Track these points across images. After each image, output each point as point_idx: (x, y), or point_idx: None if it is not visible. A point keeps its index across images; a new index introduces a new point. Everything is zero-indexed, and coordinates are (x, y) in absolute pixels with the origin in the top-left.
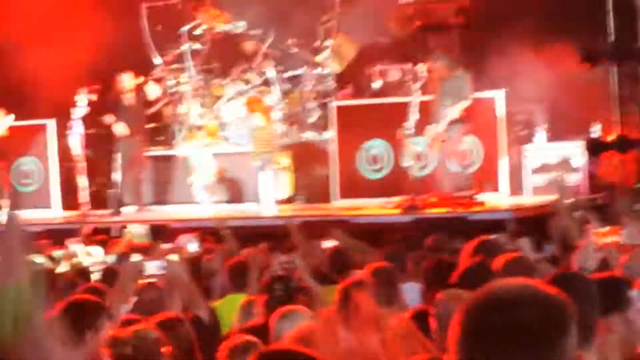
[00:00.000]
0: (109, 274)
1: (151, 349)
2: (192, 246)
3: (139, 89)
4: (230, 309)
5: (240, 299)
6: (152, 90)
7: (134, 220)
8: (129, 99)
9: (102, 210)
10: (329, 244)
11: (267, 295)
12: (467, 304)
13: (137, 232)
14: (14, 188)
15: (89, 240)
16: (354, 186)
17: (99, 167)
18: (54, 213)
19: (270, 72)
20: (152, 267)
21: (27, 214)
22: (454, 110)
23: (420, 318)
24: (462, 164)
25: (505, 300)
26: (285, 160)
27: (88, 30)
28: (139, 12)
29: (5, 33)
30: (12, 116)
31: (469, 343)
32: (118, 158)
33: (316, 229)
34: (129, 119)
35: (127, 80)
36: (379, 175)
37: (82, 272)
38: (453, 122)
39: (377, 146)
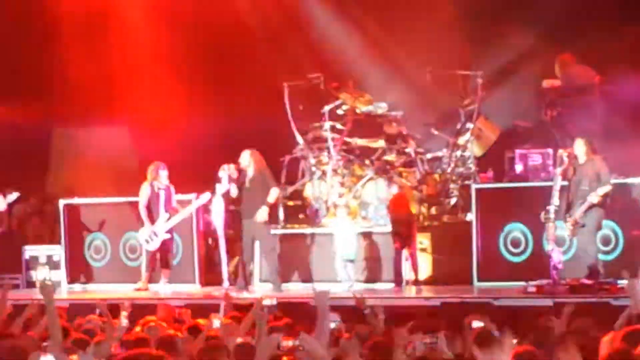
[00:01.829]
0: (245, 350)
1: None
2: (332, 324)
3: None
4: None
5: None
6: None
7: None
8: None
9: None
10: (475, 324)
11: None
12: None
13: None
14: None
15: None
16: (494, 268)
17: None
18: (194, 288)
19: (412, 153)
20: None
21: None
22: (594, 196)
23: None
24: (601, 250)
25: None
26: (425, 241)
27: (232, 105)
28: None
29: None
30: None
31: None
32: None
33: (457, 310)
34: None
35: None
36: (519, 259)
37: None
38: (592, 207)
39: (517, 229)
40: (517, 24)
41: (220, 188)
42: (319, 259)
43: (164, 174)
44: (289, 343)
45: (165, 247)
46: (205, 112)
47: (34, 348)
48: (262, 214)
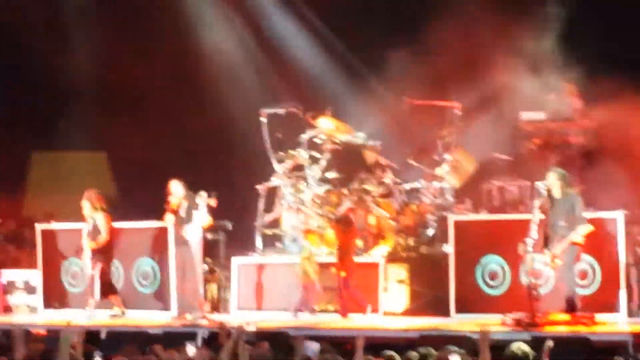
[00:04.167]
0: None
1: None
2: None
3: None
4: None
5: None
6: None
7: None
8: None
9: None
10: (453, 358)
11: None
12: None
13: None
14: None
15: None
16: (472, 301)
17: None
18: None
19: (389, 184)
20: None
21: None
22: (576, 235)
23: None
24: (579, 284)
25: None
26: (403, 272)
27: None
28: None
29: None
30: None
31: None
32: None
33: (435, 342)
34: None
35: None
36: (497, 291)
37: None
38: (572, 244)
39: (494, 262)
40: (498, 56)
41: (199, 215)
42: (294, 287)
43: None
44: None
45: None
46: (182, 137)
47: None
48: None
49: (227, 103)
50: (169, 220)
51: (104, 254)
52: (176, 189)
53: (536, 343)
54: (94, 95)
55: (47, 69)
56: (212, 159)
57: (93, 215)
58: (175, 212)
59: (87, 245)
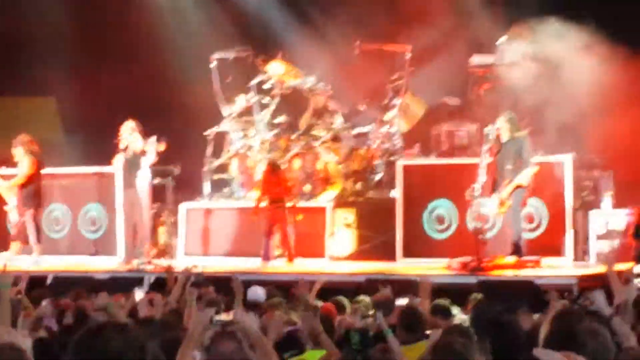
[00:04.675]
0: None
1: None
2: (260, 297)
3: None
4: None
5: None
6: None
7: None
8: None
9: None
10: (400, 302)
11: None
12: None
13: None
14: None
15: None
16: (419, 245)
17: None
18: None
19: (338, 128)
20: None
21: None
22: (524, 176)
23: None
24: (525, 228)
25: None
26: (350, 216)
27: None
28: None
29: None
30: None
31: None
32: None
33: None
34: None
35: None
36: (443, 236)
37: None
38: (519, 187)
39: (442, 206)
40: None
41: (148, 160)
42: (242, 233)
43: None
44: (222, 317)
45: None
46: (130, 83)
47: None
48: None
49: (177, 48)
50: (117, 161)
51: (32, 199)
52: (126, 131)
53: (483, 287)
54: (44, 41)
55: None
56: (162, 104)
57: (22, 160)
58: (125, 156)
59: (4, 189)
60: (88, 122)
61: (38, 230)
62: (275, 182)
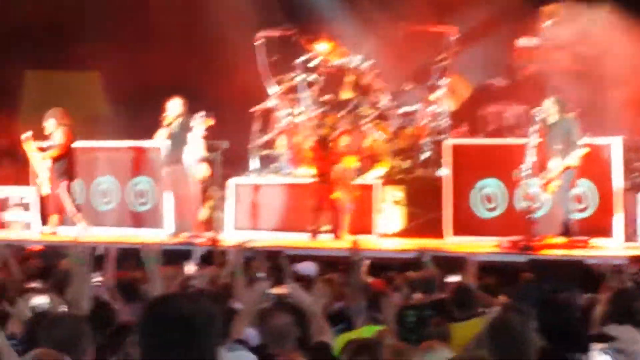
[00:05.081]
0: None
1: None
2: (312, 272)
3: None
4: None
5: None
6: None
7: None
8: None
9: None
10: (452, 279)
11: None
12: None
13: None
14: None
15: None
16: (467, 224)
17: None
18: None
19: (385, 107)
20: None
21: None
22: (573, 158)
23: None
24: (575, 208)
25: None
26: (399, 193)
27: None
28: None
29: None
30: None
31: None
32: None
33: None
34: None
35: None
36: (492, 215)
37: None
38: (568, 168)
39: (491, 185)
40: None
41: (196, 135)
42: (290, 208)
43: None
44: (274, 292)
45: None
46: (176, 63)
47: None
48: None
49: (221, 25)
50: (159, 135)
51: (66, 171)
52: (173, 106)
53: (532, 265)
54: (90, 17)
55: None
56: (209, 82)
57: (55, 132)
58: (170, 130)
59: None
60: (132, 97)
61: (73, 200)
62: (324, 158)
